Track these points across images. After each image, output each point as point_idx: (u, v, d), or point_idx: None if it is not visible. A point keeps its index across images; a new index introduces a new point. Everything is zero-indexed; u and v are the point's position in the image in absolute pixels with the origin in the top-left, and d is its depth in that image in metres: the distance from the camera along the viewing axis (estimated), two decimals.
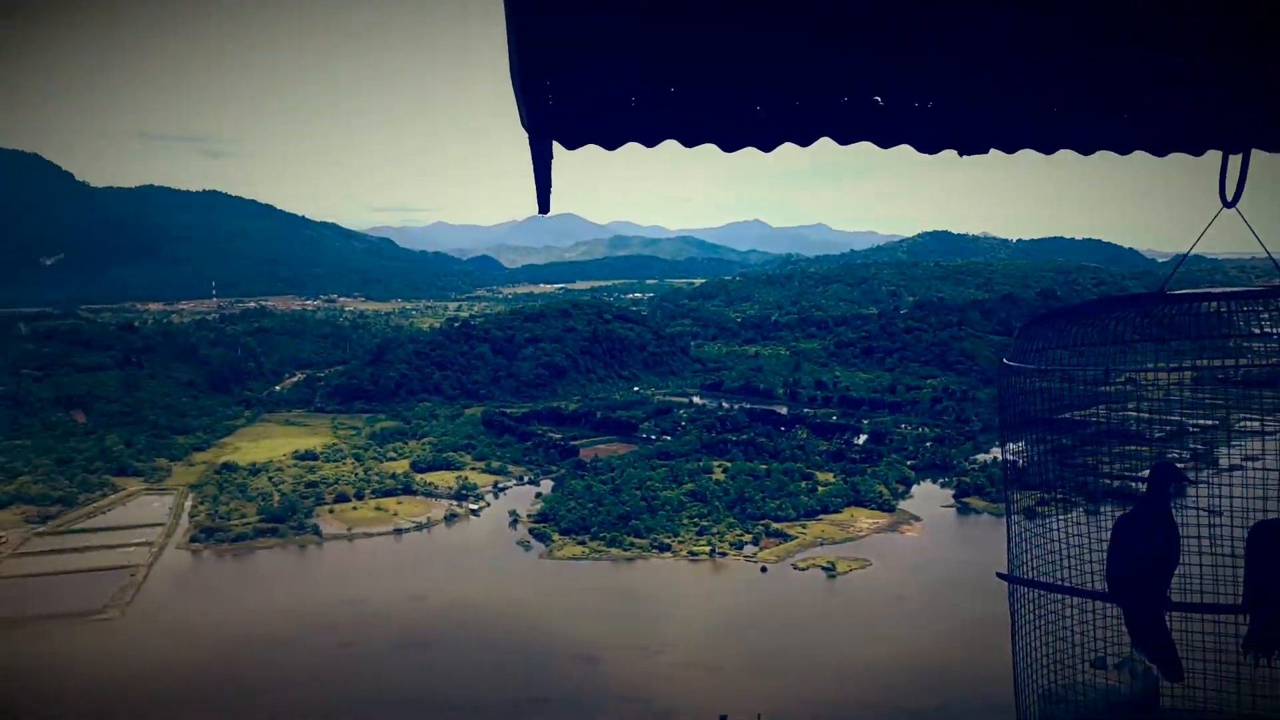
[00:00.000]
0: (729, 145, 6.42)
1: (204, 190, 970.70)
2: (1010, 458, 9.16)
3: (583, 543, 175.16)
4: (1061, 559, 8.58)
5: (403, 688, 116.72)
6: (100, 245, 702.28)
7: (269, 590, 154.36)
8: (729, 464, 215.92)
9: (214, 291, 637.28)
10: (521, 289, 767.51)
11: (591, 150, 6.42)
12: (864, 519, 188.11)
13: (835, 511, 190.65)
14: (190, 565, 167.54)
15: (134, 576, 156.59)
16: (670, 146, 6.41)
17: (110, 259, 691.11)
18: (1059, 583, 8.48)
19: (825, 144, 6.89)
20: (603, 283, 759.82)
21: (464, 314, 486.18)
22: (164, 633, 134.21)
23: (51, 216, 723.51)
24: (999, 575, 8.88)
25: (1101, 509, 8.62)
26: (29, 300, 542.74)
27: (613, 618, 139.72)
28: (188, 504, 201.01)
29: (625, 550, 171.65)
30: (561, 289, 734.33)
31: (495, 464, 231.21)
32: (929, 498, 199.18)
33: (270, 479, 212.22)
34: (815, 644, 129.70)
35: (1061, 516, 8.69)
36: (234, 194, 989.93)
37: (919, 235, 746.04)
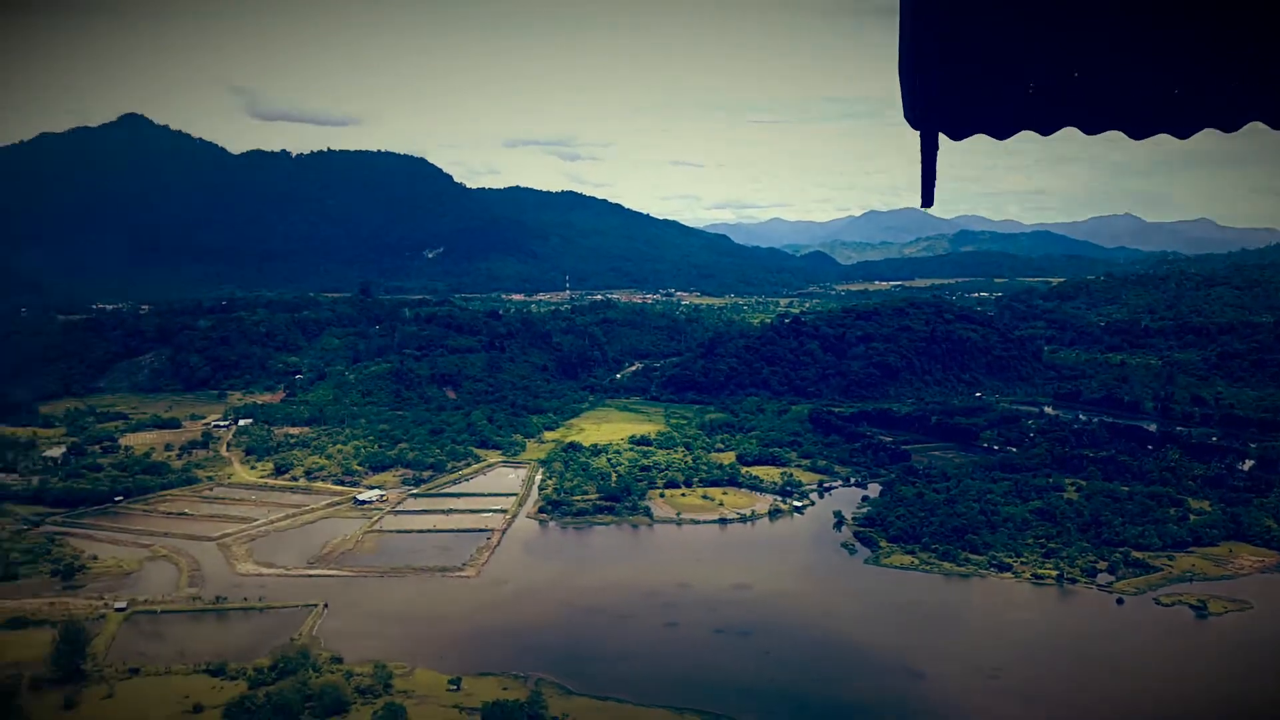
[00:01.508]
0: (1138, 132, 6.08)
1: (562, 191, 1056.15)
2: None
3: (912, 552, 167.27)
4: None
5: (724, 672, 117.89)
6: (473, 240, 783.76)
7: (605, 565, 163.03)
8: (1083, 483, 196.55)
9: (567, 284, 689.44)
10: (855, 286, 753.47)
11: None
12: (1246, 555, 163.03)
13: (1210, 544, 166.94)
14: (537, 534, 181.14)
15: (489, 540, 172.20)
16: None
17: (481, 253, 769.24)
18: None
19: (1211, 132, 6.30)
20: (944, 280, 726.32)
21: (795, 310, 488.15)
22: (513, 593, 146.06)
23: (435, 214, 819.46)
24: None
25: None
26: (414, 288, 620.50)
27: (942, 633, 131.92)
28: (537, 478, 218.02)
29: (959, 565, 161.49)
30: (898, 286, 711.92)
31: (821, 462, 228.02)
32: None
33: (609, 460, 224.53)
34: (1179, 691, 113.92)
35: None
36: (588, 194, 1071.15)
37: None
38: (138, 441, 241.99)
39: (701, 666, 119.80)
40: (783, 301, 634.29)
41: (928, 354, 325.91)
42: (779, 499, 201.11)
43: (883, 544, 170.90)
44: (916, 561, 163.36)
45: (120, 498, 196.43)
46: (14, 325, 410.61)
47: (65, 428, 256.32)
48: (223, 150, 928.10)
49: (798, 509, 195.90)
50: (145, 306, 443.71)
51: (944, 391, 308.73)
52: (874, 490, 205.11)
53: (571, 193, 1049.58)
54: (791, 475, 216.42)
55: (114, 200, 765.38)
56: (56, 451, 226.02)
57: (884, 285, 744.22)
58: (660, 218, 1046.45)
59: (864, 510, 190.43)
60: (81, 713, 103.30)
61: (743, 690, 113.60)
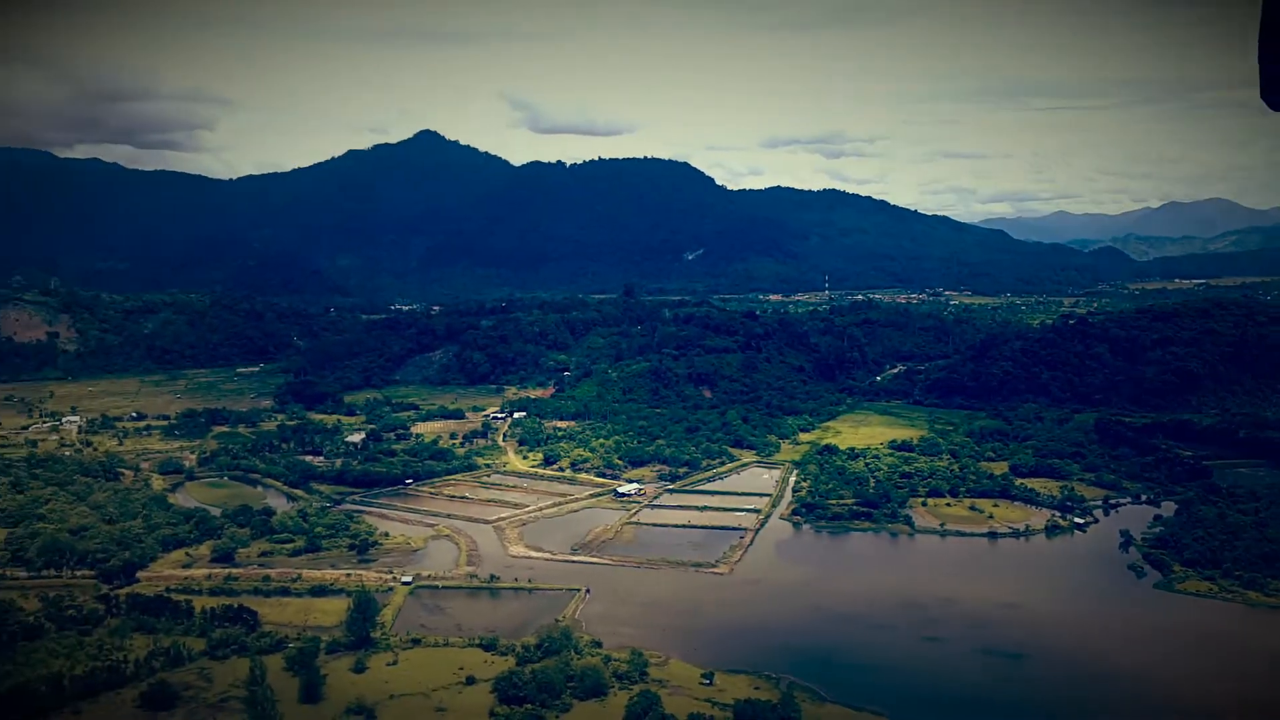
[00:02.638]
0: None
1: (824, 189, 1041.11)
2: None
3: (1211, 578, 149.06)
4: None
5: (988, 695, 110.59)
6: (732, 242, 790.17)
7: (861, 571, 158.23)
8: None
9: (826, 284, 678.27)
10: (1152, 284, 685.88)
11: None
12: None
13: None
14: (790, 536, 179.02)
15: (742, 539, 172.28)
16: None
17: (739, 254, 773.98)
18: None
19: None
20: (1259, 279, 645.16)
21: (1080, 310, 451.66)
22: (766, 593, 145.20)
23: (695, 217, 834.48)
24: None
25: None
26: (674, 289, 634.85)
27: (1244, 673, 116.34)
28: (792, 479, 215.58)
29: (1267, 595, 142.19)
30: (1202, 285, 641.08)
31: (1107, 476, 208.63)
32: None
33: (867, 465, 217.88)
34: None
35: None
36: (851, 192, 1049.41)
37: None
38: (426, 430, 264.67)
39: (964, 686, 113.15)
40: (1066, 301, 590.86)
41: (1236, 360, 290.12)
42: (1057, 514, 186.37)
43: (1176, 568, 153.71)
44: (1216, 589, 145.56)
45: (410, 481, 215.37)
46: (324, 324, 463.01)
47: (365, 416, 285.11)
48: (505, 162, 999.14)
49: (1078, 526, 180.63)
50: (436, 307, 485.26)
51: (1254, 402, 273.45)
52: (1168, 509, 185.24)
53: (833, 191, 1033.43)
54: (1072, 489, 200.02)
55: (411, 210, 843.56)
56: (357, 437, 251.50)
57: (1185, 284, 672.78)
58: (929, 213, 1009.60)
59: (1155, 530, 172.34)
60: (370, 676, 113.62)
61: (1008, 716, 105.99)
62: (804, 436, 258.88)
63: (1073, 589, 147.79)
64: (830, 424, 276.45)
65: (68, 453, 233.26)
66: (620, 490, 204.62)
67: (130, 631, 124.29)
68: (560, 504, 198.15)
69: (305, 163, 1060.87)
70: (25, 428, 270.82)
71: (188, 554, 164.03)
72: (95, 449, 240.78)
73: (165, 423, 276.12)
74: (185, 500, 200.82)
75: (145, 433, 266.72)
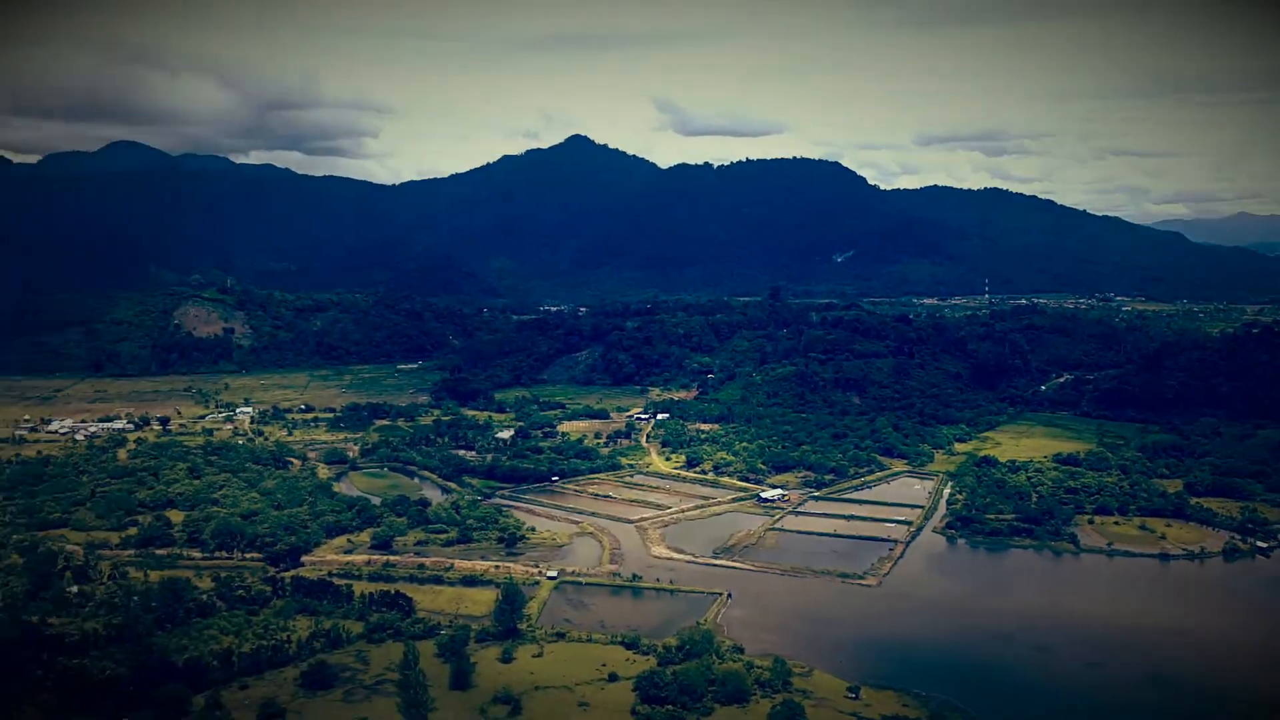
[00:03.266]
0: None
1: (984, 189, 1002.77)
2: None
3: None
4: None
5: None
6: (884, 243, 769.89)
7: (1020, 590, 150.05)
8: None
9: (986, 288, 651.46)
10: None
11: None
12: None
13: None
14: (944, 550, 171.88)
15: (892, 550, 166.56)
16: None
17: (891, 255, 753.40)
18: None
19: None
20: None
21: (1265, 318, 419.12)
22: (916, 608, 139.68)
23: (845, 218, 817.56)
24: None
25: None
26: (821, 292, 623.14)
27: None
28: (946, 491, 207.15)
29: None
30: None
31: None
32: None
33: (1029, 479, 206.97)
34: None
35: None
36: (1014, 191, 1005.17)
37: None
38: (572, 428, 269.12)
39: (1128, 714, 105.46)
40: (1250, 309, 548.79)
41: None
42: (1236, 536, 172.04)
43: None
44: None
45: (556, 478, 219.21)
46: (478, 324, 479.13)
47: (514, 413, 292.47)
48: (652, 165, 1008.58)
49: (1261, 550, 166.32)
50: (583, 308, 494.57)
51: None
52: None
53: (995, 190, 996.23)
54: (1254, 510, 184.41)
55: (561, 213, 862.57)
56: (507, 434, 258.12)
57: None
58: (1098, 214, 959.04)
59: None
60: (516, 667, 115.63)
61: None
62: (960, 447, 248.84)
63: (1252, 617, 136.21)
64: (989, 434, 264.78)
65: (240, 441, 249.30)
66: (764, 495, 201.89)
67: (294, 613, 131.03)
68: (703, 507, 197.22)
69: (463, 168, 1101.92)
70: (202, 417, 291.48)
71: (349, 540, 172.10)
72: (266, 439, 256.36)
73: (331, 415, 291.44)
74: (348, 489, 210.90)
75: (312, 424, 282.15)
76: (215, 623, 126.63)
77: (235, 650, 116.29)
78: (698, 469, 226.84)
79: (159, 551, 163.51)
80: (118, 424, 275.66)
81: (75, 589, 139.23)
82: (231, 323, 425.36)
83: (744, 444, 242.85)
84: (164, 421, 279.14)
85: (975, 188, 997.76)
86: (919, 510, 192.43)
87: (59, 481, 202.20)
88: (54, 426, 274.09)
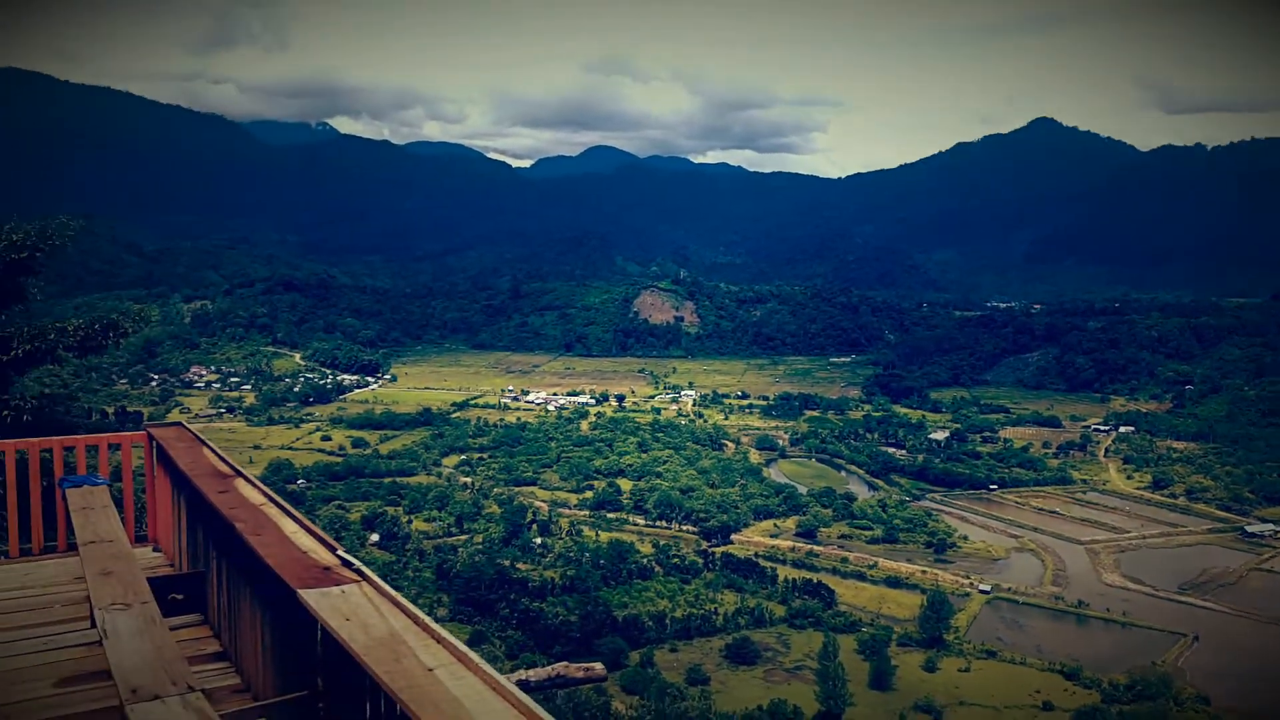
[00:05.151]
0: None
1: None
2: None
3: None
4: None
5: None
6: None
7: None
8: None
9: None
10: None
11: None
12: None
13: None
14: None
15: None
16: None
17: None
18: None
19: None
20: None
21: None
22: None
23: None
24: None
25: None
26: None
27: None
28: None
29: None
30: None
31: None
32: None
33: None
34: None
35: None
36: None
37: None
38: (1016, 435, 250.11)
39: None
40: None
41: None
42: None
43: None
44: None
45: (994, 486, 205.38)
46: (916, 319, 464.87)
47: (950, 414, 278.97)
48: (1130, 148, 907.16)
49: None
50: (1037, 306, 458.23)
51: None
52: None
53: None
54: None
55: (1017, 203, 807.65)
56: (941, 435, 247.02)
57: None
58: None
59: None
60: (940, 678, 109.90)
61: None
62: None
63: None
64: None
65: (683, 422, 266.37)
66: (1249, 529, 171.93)
67: (721, 587, 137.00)
68: (1168, 535, 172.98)
69: (911, 158, 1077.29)
70: (651, 397, 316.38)
71: (775, 525, 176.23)
72: (705, 421, 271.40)
73: (764, 403, 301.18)
74: (776, 475, 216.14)
75: (747, 410, 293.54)
76: (652, 585, 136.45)
77: (669, 614, 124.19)
78: (1165, 491, 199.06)
79: (609, 515, 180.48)
80: (581, 399, 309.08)
81: (539, 540, 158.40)
82: (681, 311, 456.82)
83: (1227, 468, 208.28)
84: (620, 399, 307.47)
85: None
86: None
87: (532, 445, 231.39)
88: (531, 397, 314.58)
